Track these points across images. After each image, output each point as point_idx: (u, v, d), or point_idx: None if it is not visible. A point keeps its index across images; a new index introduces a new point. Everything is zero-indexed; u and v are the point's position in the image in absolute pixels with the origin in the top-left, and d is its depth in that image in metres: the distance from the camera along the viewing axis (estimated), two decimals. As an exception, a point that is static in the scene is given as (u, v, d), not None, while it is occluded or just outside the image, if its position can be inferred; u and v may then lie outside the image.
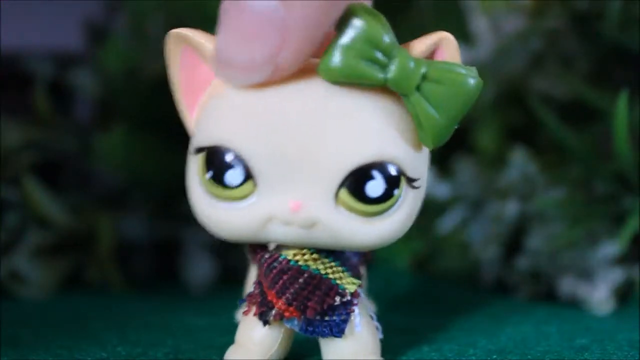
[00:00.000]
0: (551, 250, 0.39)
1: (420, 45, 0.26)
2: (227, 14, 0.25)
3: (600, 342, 0.32)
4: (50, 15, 0.58)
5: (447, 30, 0.27)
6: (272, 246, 0.27)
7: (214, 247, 0.46)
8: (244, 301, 0.28)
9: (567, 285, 0.39)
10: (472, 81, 0.25)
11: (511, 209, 0.42)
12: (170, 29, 0.27)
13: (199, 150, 0.26)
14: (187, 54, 0.27)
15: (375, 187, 0.25)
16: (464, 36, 0.44)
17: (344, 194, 0.25)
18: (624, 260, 0.40)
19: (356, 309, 0.27)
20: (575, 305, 0.39)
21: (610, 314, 0.38)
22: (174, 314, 0.38)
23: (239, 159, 0.25)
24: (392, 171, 0.25)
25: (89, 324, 0.36)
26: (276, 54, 0.24)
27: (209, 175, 0.25)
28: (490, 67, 0.44)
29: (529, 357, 0.30)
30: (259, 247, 0.27)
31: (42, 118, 0.48)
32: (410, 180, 0.26)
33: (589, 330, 0.34)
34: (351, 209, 0.25)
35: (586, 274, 0.39)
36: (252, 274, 0.32)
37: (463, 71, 0.25)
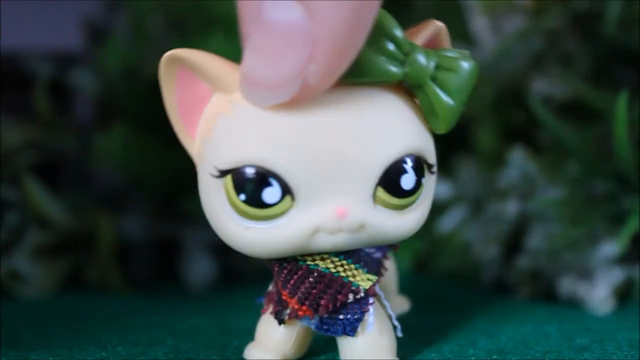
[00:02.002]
0: (551, 250, 0.39)
1: (419, 36, 0.26)
2: (252, 34, 0.24)
3: (600, 342, 0.32)
4: (50, 15, 0.58)
5: (448, 30, 0.27)
6: None
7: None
8: (263, 299, 0.28)
9: (567, 285, 0.39)
10: (473, 63, 0.26)
11: (511, 208, 0.42)
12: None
13: (224, 173, 0.25)
14: (183, 74, 0.26)
15: (408, 179, 0.26)
16: (464, 36, 0.44)
17: (381, 191, 0.25)
18: (624, 260, 0.39)
19: (371, 309, 0.27)
20: (575, 305, 0.39)
21: (610, 314, 0.38)
22: (174, 314, 0.38)
23: (273, 176, 0.24)
24: (419, 161, 0.26)
25: (89, 324, 0.36)
26: (304, 68, 0.23)
27: (242, 197, 0.25)
28: (490, 67, 0.44)
29: (529, 357, 0.30)
30: None
31: (42, 118, 0.48)
32: (430, 167, 0.26)
33: (589, 330, 0.34)
34: (387, 205, 0.26)
35: (586, 274, 0.39)
36: None
37: (464, 56, 0.26)
